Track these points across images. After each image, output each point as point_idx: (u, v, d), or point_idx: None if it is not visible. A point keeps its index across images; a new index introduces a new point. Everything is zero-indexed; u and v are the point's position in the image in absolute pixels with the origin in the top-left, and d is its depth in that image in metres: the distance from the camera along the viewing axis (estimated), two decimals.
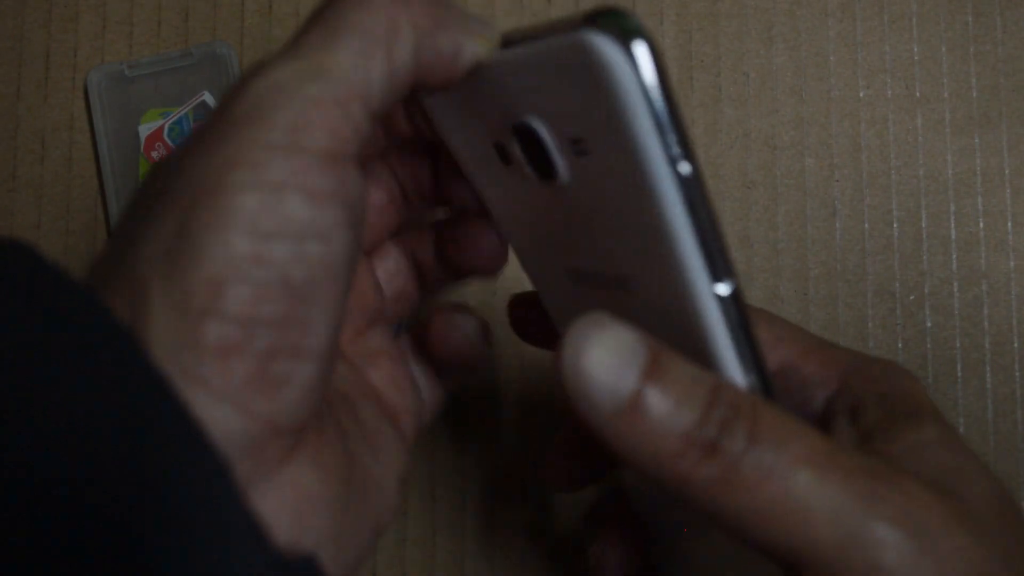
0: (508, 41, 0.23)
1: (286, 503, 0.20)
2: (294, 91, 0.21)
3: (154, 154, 0.45)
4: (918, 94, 0.43)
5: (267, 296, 0.20)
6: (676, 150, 0.20)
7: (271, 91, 0.21)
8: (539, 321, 0.31)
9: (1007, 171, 0.42)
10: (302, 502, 0.21)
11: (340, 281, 0.21)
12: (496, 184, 0.27)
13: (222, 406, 0.19)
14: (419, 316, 0.32)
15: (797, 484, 0.20)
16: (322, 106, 0.21)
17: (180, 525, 0.18)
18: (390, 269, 0.30)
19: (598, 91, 0.20)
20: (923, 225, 0.42)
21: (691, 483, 0.20)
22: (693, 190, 0.21)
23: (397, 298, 0.30)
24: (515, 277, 0.36)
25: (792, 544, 0.20)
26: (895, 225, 0.42)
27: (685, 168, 0.20)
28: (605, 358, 0.20)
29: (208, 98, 0.45)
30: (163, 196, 0.21)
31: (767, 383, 0.22)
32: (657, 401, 0.20)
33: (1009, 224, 0.42)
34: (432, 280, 0.30)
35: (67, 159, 0.46)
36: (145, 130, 0.45)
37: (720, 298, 0.21)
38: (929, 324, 0.42)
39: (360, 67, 0.22)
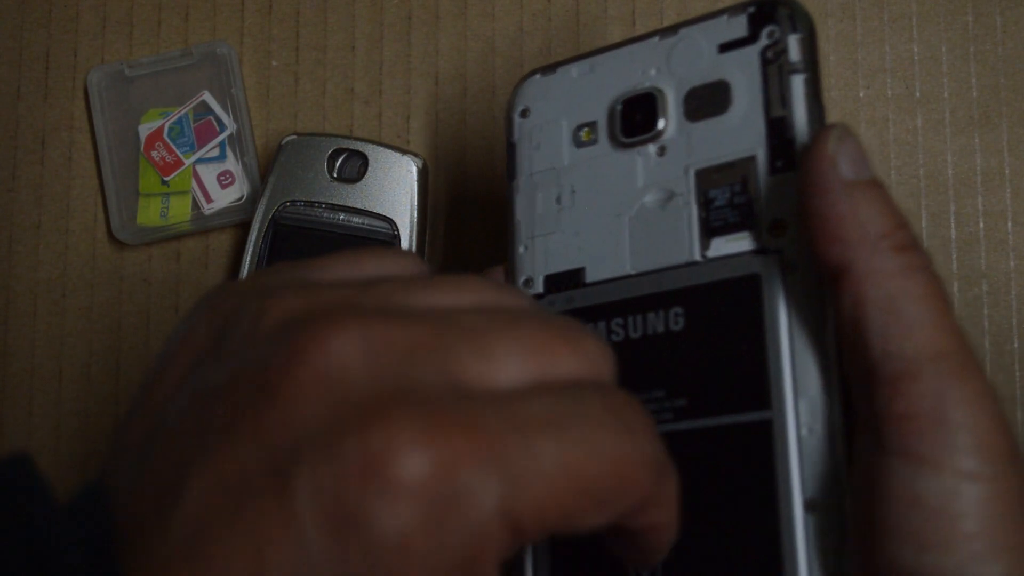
0: None
1: None
2: None
3: (154, 154, 0.45)
4: (918, 94, 0.43)
5: None
6: None
7: None
8: None
9: (1007, 171, 0.42)
10: None
11: None
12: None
13: None
14: None
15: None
16: None
17: None
18: None
19: None
20: (923, 225, 0.42)
21: (857, 262, 0.24)
22: None
23: None
24: None
25: (900, 349, 0.23)
26: None
27: None
28: (856, 151, 0.25)
29: (208, 98, 0.45)
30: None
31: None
32: (887, 196, 0.25)
33: (1009, 224, 0.42)
34: None
35: (67, 159, 0.46)
36: (145, 130, 0.45)
37: None
38: None
39: None
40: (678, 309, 0.28)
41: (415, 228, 0.42)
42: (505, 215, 0.31)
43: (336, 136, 0.42)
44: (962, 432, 0.23)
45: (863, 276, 0.24)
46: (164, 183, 0.45)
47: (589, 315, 0.29)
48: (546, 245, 0.30)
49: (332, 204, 0.42)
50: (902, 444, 0.23)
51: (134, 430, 0.22)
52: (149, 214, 0.45)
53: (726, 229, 0.27)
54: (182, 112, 0.45)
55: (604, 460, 0.20)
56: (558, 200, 0.30)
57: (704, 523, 0.26)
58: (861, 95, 0.43)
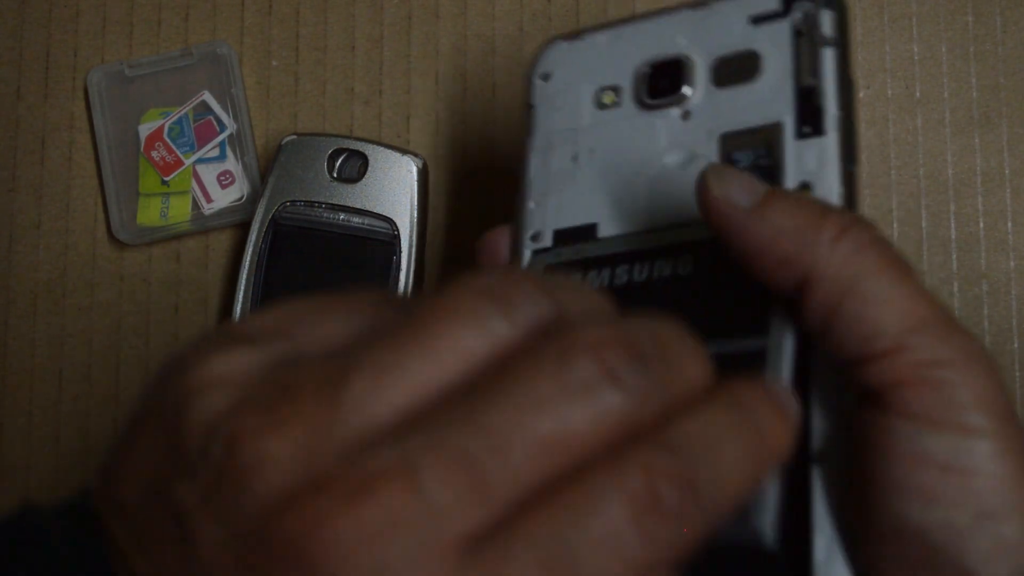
0: None
1: None
2: None
3: (154, 154, 0.45)
4: (918, 94, 0.43)
5: None
6: None
7: None
8: None
9: (1007, 171, 0.42)
10: None
11: None
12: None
13: None
14: None
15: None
16: None
17: None
18: None
19: None
20: (923, 225, 0.42)
21: (809, 271, 0.23)
22: None
23: None
24: None
25: (866, 327, 0.23)
26: (895, 225, 0.42)
27: None
28: (738, 178, 0.25)
29: (208, 98, 0.45)
30: None
31: None
32: (791, 195, 0.25)
33: (1009, 224, 0.42)
34: None
35: (67, 159, 0.46)
36: (145, 130, 0.45)
37: None
38: None
39: None
40: (688, 257, 0.28)
41: (415, 228, 0.42)
42: (517, 174, 0.31)
43: (336, 136, 0.42)
44: (962, 390, 0.23)
45: (820, 281, 0.23)
46: (164, 183, 0.45)
47: (596, 264, 0.29)
48: (559, 201, 0.30)
49: (332, 204, 0.42)
50: (903, 406, 0.23)
51: (123, 490, 0.20)
52: (149, 214, 0.45)
53: None
54: (182, 112, 0.45)
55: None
56: (575, 159, 0.30)
57: None
58: (861, 95, 0.43)
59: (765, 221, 0.24)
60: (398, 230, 0.41)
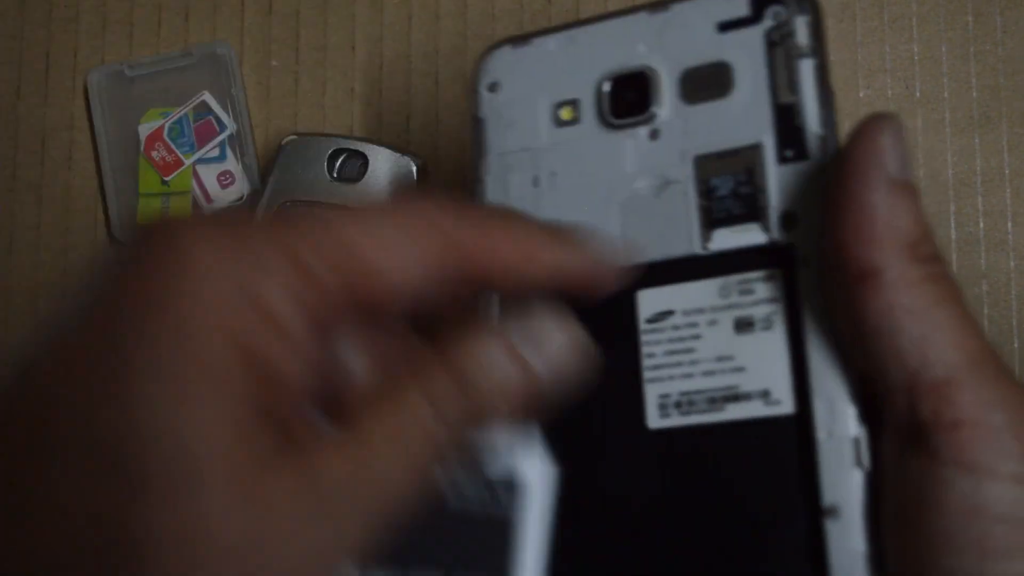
0: None
1: None
2: None
3: (154, 154, 0.45)
4: (918, 94, 0.43)
5: None
6: None
7: None
8: None
9: (1007, 171, 0.42)
10: None
11: None
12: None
13: None
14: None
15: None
16: None
17: None
18: None
19: None
20: None
21: (889, 268, 0.23)
22: None
23: None
24: None
25: (922, 356, 0.23)
26: None
27: None
28: (903, 150, 0.24)
29: (208, 98, 0.45)
30: None
31: None
32: (920, 203, 0.24)
33: (1009, 224, 0.42)
34: None
35: (67, 159, 0.46)
36: (145, 130, 0.45)
37: None
38: None
39: None
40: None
41: None
42: (473, 197, 0.29)
43: (336, 136, 0.42)
44: (1007, 436, 0.22)
45: (894, 282, 0.23)
46: (164, 183, 0.45)
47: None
48: None
49: (332, 204, 0.42)
50: (958, 454, 0.22)
51: None
52: (149, 214, 0.45)
53: (730, 220, 0.26)
54: (182, 112, 0.45)
55: None
56: (535, 183, 0.28)
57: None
58: (861, 95, 0.43)
59: (891, 198, 0.23)
60: None
